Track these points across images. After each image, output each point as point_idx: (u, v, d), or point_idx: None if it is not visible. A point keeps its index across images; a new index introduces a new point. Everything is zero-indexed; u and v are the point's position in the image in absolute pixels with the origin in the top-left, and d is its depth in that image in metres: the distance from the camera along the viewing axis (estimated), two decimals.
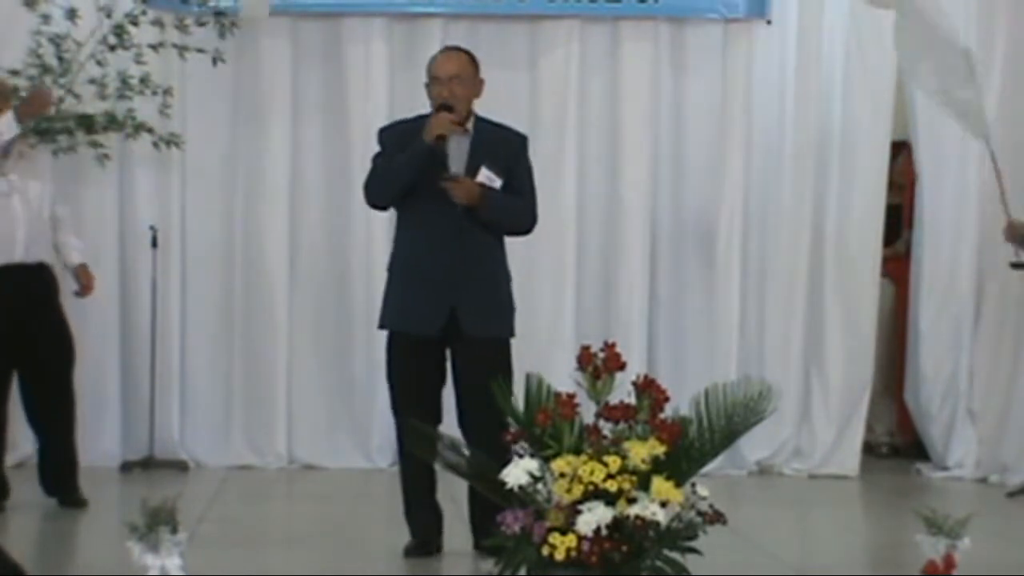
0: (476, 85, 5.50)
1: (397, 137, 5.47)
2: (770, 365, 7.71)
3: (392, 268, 5.52)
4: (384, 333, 5.55)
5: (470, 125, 5.46)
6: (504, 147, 5.49)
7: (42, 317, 6.36)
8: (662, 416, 4.35)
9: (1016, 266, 7.38)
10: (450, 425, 5.32)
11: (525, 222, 5.56)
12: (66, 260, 6.59)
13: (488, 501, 4.49)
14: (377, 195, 5.49)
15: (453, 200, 5.30)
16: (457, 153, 5.41)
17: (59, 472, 6.48)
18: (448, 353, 5.45)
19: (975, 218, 7.80)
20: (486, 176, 5.36)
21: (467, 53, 5.60)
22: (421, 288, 5.36)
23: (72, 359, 6.51)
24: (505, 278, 5.52)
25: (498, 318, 5.45)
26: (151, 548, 3.69)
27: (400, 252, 5.49)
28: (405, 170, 5.36)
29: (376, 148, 5.58)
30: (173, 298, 7.65)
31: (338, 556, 5.59)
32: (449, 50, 5.68)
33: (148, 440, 7.50)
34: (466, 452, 4.66)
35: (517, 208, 5.48)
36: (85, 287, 6.61)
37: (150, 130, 7.40)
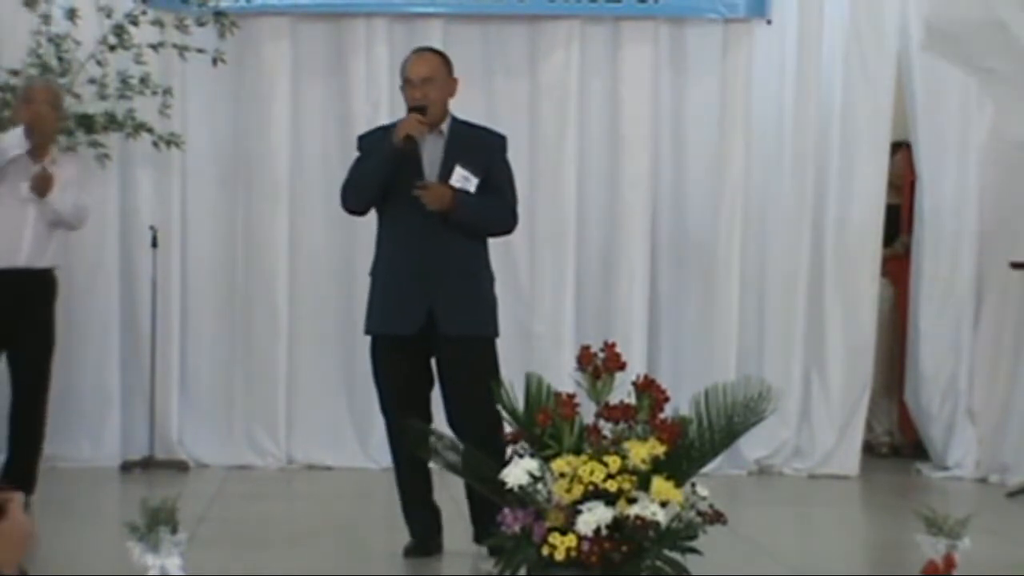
0: (449, 86, 5.46)
1: (375, 142, 5.44)
2: (770, 365, 7.70)
3: (373, 273, 5.50)
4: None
5: (445, 126, 5.43)
6: (481, 147, 5.45)
7: (28, 317, 6.27)
8: (662, 416, 4.36)
9: (1016, 266, 7.38)
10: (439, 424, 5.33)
11: (504, 223, 5.50)
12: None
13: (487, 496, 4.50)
14: (351, 200, 5.46)
15: (426, 207, 5.26)
16: (432, 154, 5.38)
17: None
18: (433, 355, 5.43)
19: (975, 218, 7.79)
20: (461, 176, 5.31)
21: (439, 54, 5.59)
22: (399, 290, 5.34)
23: (45, 366, 6.34)
24: (487, 277, 5.47)
25: (476, 317, 5.38)
26: (151, 548, 3.69)
27: (379, 256, 5.48)
28: (375, 173, 5.35)
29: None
30: (173, 298, 7.64)
31: (338, 556, 5.59)
32: (422, 51, 5.64)
33: (148, 440, 7.50)
34: (462, 451, 4.66)
35: (493, 209, 5.41)
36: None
37: (150, 130, 7.39)
